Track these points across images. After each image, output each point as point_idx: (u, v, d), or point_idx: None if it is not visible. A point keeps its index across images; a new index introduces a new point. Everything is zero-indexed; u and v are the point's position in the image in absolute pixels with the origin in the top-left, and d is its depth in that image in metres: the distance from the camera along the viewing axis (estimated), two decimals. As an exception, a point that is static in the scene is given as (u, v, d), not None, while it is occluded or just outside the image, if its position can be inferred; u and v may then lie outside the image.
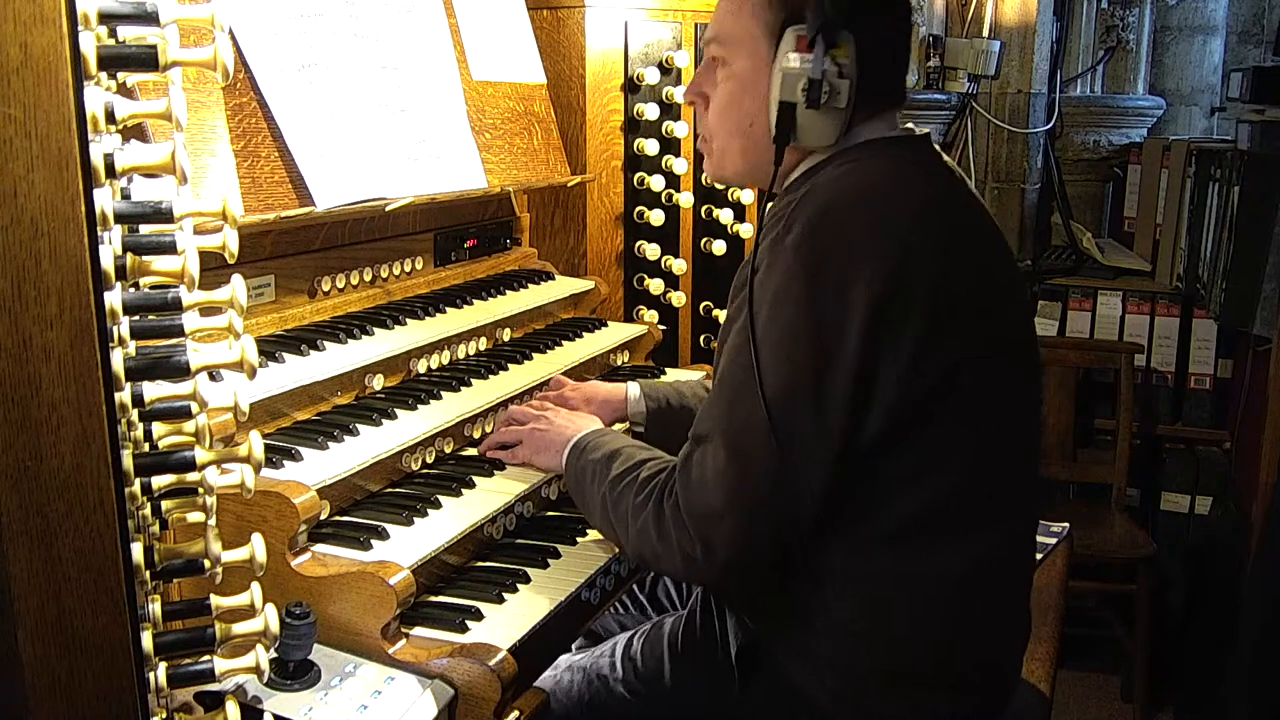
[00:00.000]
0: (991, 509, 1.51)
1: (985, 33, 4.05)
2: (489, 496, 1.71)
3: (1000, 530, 1.53)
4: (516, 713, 1.43)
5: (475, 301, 2.14)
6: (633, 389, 2.02)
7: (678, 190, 2.67)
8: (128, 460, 0.97)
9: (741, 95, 1.56)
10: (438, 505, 1.64)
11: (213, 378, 1.38)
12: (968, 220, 1.54)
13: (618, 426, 2.00)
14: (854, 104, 1.48)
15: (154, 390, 1.01)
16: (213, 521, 1.09)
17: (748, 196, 2.80)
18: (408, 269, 2.13)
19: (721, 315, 2.78)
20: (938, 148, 1.60)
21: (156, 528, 1.12)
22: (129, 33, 0.98)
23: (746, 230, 2.83)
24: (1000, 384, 1.49)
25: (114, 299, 0.95)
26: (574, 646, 1.94)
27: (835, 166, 1.50)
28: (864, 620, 1.50)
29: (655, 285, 2.66)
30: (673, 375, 2.36)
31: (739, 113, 1.57)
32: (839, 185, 1.46)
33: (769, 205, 1.57)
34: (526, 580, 1.63)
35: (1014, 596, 1.63)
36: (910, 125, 1.59)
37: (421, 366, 1.94)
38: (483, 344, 2.10)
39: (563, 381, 2.05)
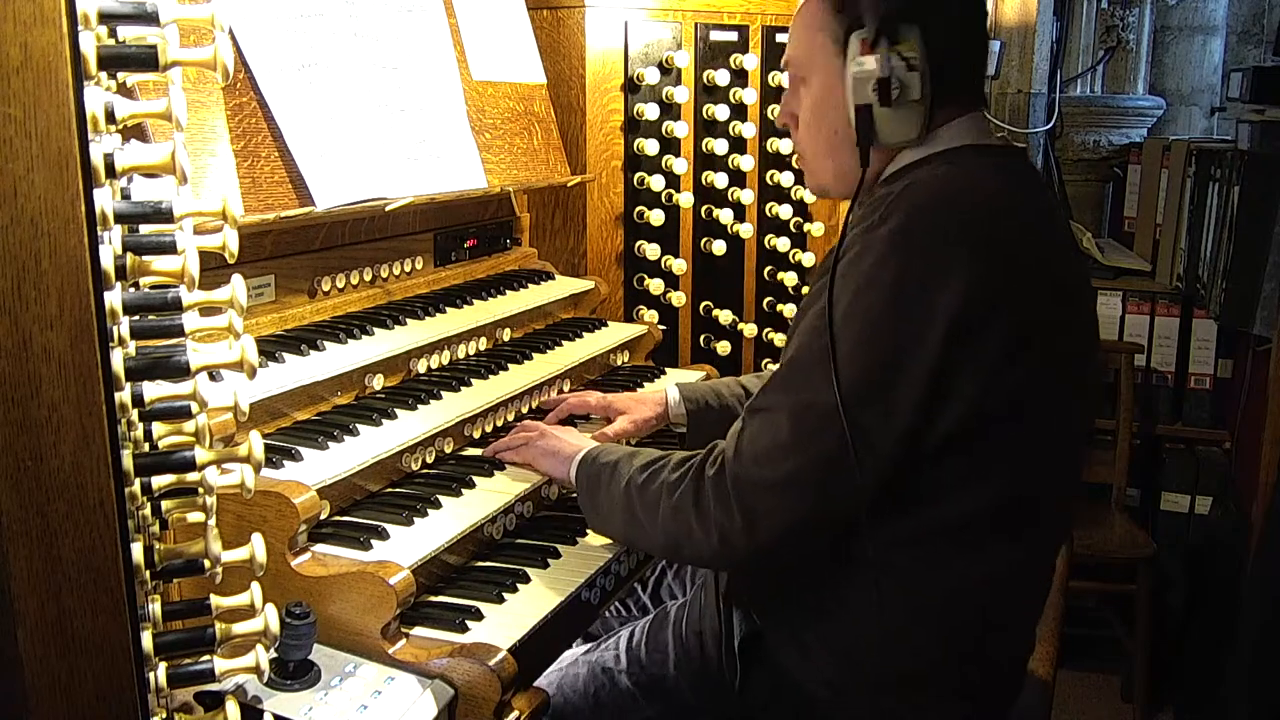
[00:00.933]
0: (1030, 520, 1.51)
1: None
2: (489, 496, 1.71)
3: (1032, 540, 1.53)
4: (516, 713, 1.43)
5: (475, 301, 2.14)
6: (673, 392, 2.04)
7: (678, 190, 2.67)
8: (128, 460, 0.97)
9: (822, 108, 1.58)
10: (438, 505, 1.64)
11: (213, 378, 1.38)
12: (1058, 242, 1.54)
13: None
14: (931, 96, 1.48)
15: (154, 390, 1.01)
16: (213, 521, 1.09)
17: (747, 197, 2.80)
18: (408, 269, 2.13)
19: (721, 315, 2.79)
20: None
21: (156, 528, 1.12)
22: (129, 33, 0.98)
23: (747, 230, 2.83)
24: (1062, 402, 1.49)
25: (114, 299, 0.94)
26: (575, 643, 1.94)
27: (936, 166, 1.50)
28: (875, 618, 1.50)
29: (655, 285, 2.66)
30: (673, 375, 2.36)
31: (823, 125, 1.59)
32: (941, 184, 1.45)
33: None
34: (526, 580, 1.63)
35: (1031, 605, 1.63)
36: (1005, 136, 1.59)
37: (421, 366, 1.94)
38: (483, 344, 2.10)
39: (589, 393, 2.06)
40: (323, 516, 1.52)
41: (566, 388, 2.16)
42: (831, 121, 1.57)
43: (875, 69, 1.46)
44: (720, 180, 2.76)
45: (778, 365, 1.50)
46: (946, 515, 1.46)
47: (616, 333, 2.38)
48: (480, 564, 1.68)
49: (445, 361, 2.00)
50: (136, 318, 1.00)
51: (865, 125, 1.50)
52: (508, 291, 2.25)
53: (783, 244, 2.91)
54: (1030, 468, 1.47)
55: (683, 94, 2.63)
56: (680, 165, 2.65)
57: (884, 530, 1.47)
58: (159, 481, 1.03)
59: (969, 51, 1.57)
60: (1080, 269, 1.60)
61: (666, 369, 2.40)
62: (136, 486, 0.99)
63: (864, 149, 1.52)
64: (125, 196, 1.05)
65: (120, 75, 1.05)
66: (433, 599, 1.57)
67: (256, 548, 1.09)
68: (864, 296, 1.39)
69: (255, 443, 1.06)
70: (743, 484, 1.42)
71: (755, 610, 1.63)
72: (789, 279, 2.93)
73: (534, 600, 1.59)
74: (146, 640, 1.01)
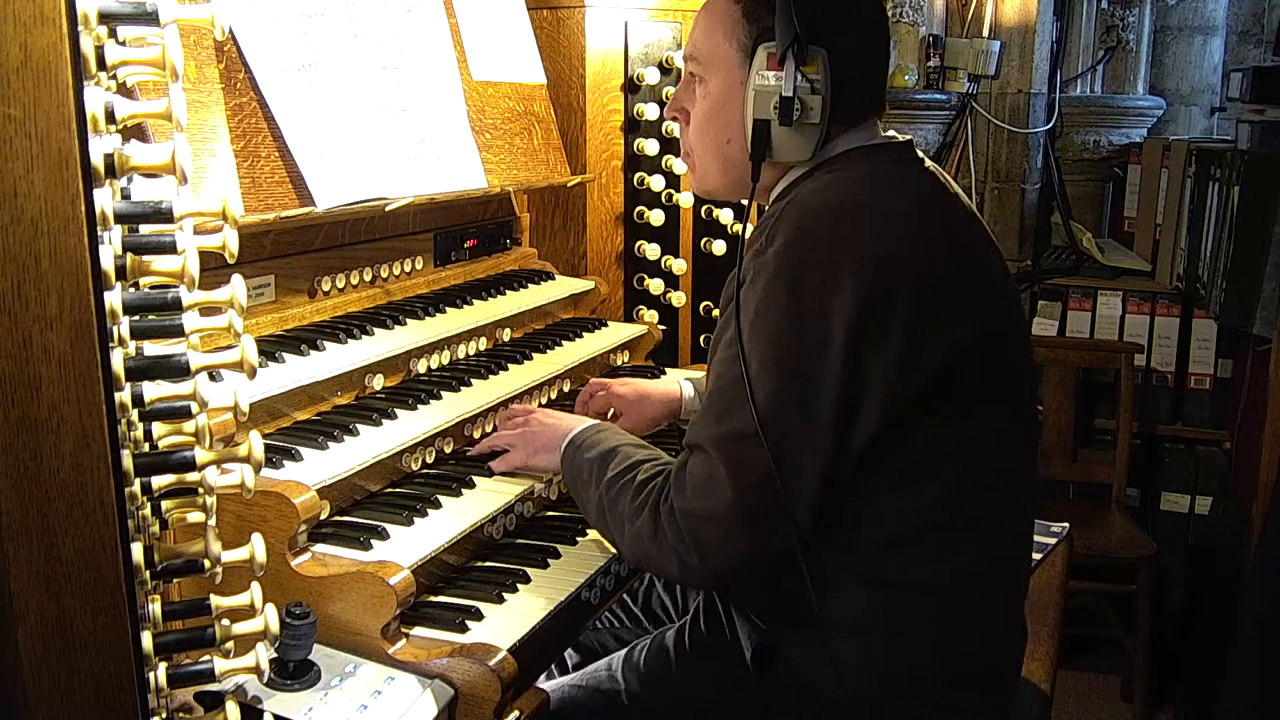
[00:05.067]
0: (989, 506, 1.51)
1: (985, 33, 4.05)
2: (489, 496, 1.71)
3: (999, 527, 1.53)
4: (516, 713, 1.43)
5: (475, 301, 2.14)
6: (687, 387, 2.03)
7: (678, 190, 2.67)
8: (128, 460, 0.97)
9: (718, 113, 1.58)
10: (438, 505, 1.64)
11: (213, 378, 1.38)
12: (947, 221, 1.54)
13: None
14: (829, 118, 1.49)
15: (154, 390, 1.01)
16: (213, 521, 1.09)
17: (748, 196, 2.80)
18: (408, 269, 2.13)
19: (721, 315, 2.79)
20: (920, 152, 1.60)
21: (156, 528, 1.12)
22: (129, 33, 0.98)
23: (747, 230, 2.82)
24: (992, 381, 1.50)
25: (114, 299, 0.94)
26: (570, 665, 1.94)
27: (814, 179, 1.52)
28: (875, 620, 1.50)
29: (655, 285, 2.66)
30: (673, 375, 2.36)
31: (716, 130, 1.59)
32: (817, 197, 1.47)
33: (755, 219, 1.58)
34: (526, 580, 1.63)
35: (1015, 591, 1.63)
36: (892, 132, 1.60)
37: (421, 366, 1.94)
38: (483, 344, 2.10)
39: (602, 383, 2.03)
40: (323, 516, 1.52)
41: (566, 388, 2.16)
42: (725, 129, 1.58)
43: (779, 87, 1.47)
44: (720, 180, 2.76)
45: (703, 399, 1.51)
46: (902, 514, 1.46)
47: (616, 333, 2.38)
48: (480, 564, 1.68)
49: (445, 361, 1.99)
50: (136, 318, 1.00)
51: (760, 140, 1.50)
52: (508, 291, 2.25)
53: (783, 244, 2.91)
54: (968, 460, 1.47)
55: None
56: (680, 165, 2.64)
57: (851, 539, 1.48)
58: (159, 481, 1.03)
59: (871, 76, 1.57)
60: (989, 254, 1.58)
61: (666, 369, 2.40)
62: (136, 486, 0.99)
63: (756, 164, 1.52)
64: (125, 196, 1.05)
65: (120, 74, 1.05)
66: (433, 599, 1.57)
67: (256, 548, 1.09)
68: (764, 318, 1.40)
69: (255, 443, 1.06)
70: (688, 518, 1.43)
71: (763, 620, 1.63)
72: (789, 279, 2.92)
73: (534, 600, 1.59)
74: (146, 640, 1.01)
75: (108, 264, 0.92)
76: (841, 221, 1.43)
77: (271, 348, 1.69)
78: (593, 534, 1.77)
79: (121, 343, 0.97)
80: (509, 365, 2.04)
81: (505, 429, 1.84)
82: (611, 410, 2.01)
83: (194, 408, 1.02)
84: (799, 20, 1.45)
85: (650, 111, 2.59)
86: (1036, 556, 2.36)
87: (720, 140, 1.59)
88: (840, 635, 1.51)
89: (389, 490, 1.70)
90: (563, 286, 2.39)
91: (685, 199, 2.68)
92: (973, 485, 1.48)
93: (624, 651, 1.81)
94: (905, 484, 1.46)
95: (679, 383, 2.04)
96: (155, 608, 1.06)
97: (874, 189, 1.48)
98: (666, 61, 2.62)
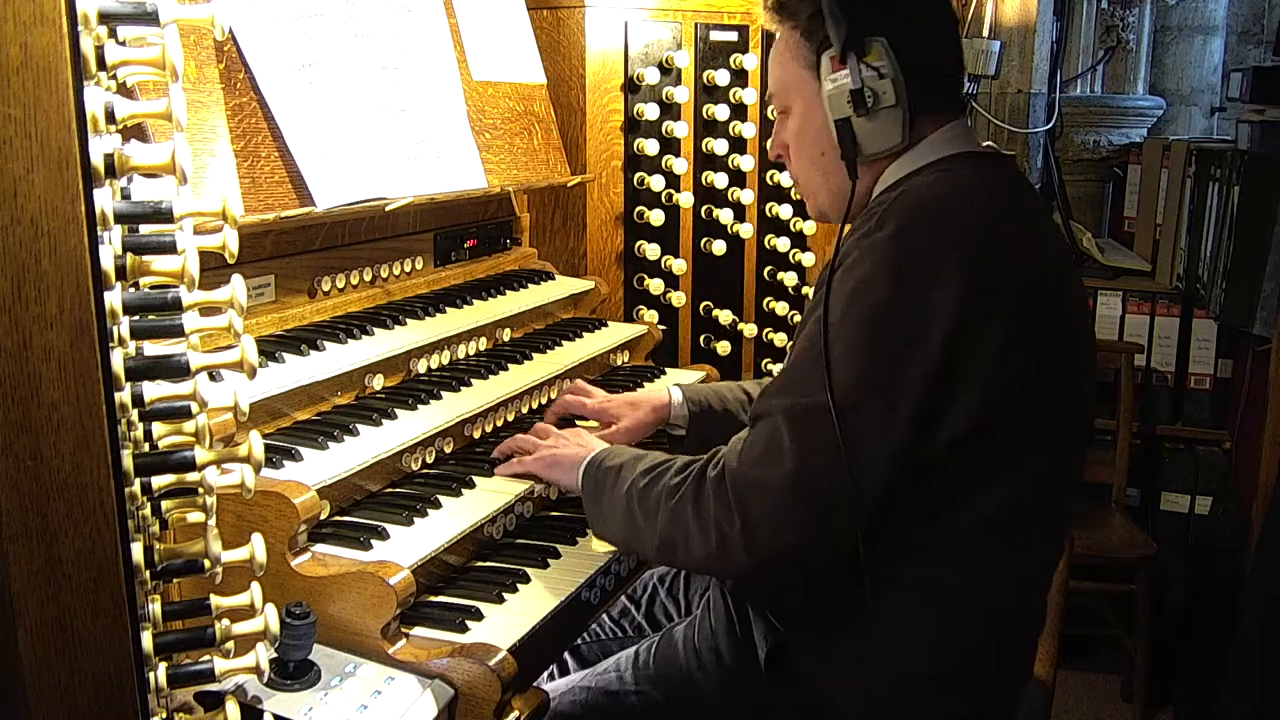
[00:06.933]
0: (1044, 521, 1.52)
1: (985, 33, 4.05)
2: (489, 496, 1.71)
3: (1045, 541, 1.55)
4: (516, 713, 1.43)
5: (475, 301, 2.14)
6: (675, 393, 2.02)
7: (678, 190, 2.67)
8: (128, 460, 0.97)
9: (808, 131, 1.61)
10: (438, 505, 1.64)
11: (213, 378, 1.38)
12: (1048, 245, 1.56)
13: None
14: (909, 99, 1.51)
15: (154, 390, 1.01)
16: (213, 521, 1.09)
17: (747, 197, 2.80)
18: (408, 269, 2.13)
19: (721, 315, 2.80)
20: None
21: (156, 528, 1.12)
22: (129, 33, 0.98)
23: (747, 230, 2.83)
24: (1061, 403, 1.50)
25: (114, 299, 0.94)
26: (571, 669, 1.93)
27: (927, 175, 1.52)
28: (900, 625, 1.50)
29: (655, 285, 2.66)
30: (673, 375, 2.36)
31: (811, 148, 1.62)
32: (932, 190, 1.48)
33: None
34: (526, 580, 1.63)
35: (1041, 599, 1.65)
36: (992, 144, 1.61)
37: (421, 366, 1.94)
38: (483, 344, 2.10)
39: (588, 390, 2.03)
40: (323, 516, 1.52)
41: (566, 387, 2.15)
42: (818, 143, 1.60)
43: (847, 82, 1.50)
44: (720, 180, 2.76)
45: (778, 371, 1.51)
46: (962, 520, 1.46)
47: (616, 333, 2.38)
48: (480, 564, 1.68)
49: (445, 361, 1.99)
50: (136, 318, 1.00)
51: (847, 138, 1.54)
52: (508, 291, 2.25)
53: (783, 244, 2.91)
54: (1035, 469, 1.47)
55: (683, 94, 2.63)
56: (680, 165, 2.65)
57: (902, 542, 1.47)
58: (159, 481, 1.03)
59: (940, 57, 1.59)
60: (1071, 271, 1.62)
61: (666, 369, 2.40)
62: (136, 486, 0.99)
63: (849, 161, 1.55)
64: (125, 196, 1.05)
65: (120, 74, 1.05)
66: (433, 599, 1.57)
67: (256, 548, 1.09)
68: (861, 301, 1.40)
69: (255, 443, 1.06)
70: (741, 486, 1.40)
71: (781, 621, 1.62)
72: (789, 279, 2.93)
73: (534, 600, 1.59)
74: (146, 640, 1.01)
75: (108, 264, 0.92)
76: (957, 217, 1.44)
77: (271, 348, 1.69)
78: (593, 534, 1.77)
79: (121, 343, 0.97)
80: (509, 365, 2.05)
81: (530, 435, 1.83)
82: (601, 419, 2.00)
83: (194, 408, 1.02)
84: (844, 16, 1.49)
85: (650, 111, 2.59)
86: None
87: (816, 155, 1.62)
88: (864, 636, 1.51)
89: (389, 490, 1.70)
90: (563, 286, 2.39)
91: (685, 199, 2.68)
92: (1028, 496, 1.48)
93: (631, 651, 1.81)
94: (970, 493, 1.45)
95: (668, 389, 2.03)
96: (155, 608, 1.06)
97: (985, 194, 1.49)
98: (666, 61, 2.62)
